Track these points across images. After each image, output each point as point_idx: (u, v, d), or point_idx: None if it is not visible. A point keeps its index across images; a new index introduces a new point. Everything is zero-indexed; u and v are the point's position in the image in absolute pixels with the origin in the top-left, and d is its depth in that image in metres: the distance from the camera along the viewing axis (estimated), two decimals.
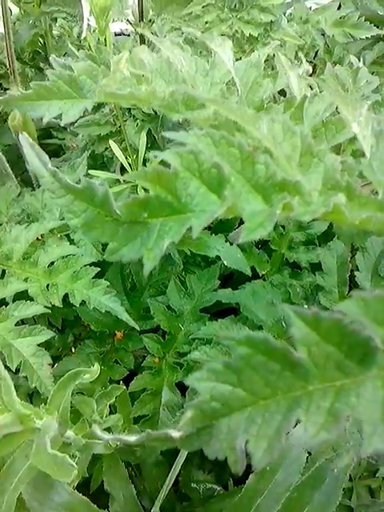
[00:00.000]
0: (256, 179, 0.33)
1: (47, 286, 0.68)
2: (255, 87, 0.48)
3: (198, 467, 1.06)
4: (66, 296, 0.72)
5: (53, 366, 0.80)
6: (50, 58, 0.50)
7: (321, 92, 0.53)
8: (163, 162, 0.31)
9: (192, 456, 1.08)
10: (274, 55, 0.83)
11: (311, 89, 0.51)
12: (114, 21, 0.82)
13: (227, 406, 0.24)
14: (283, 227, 0.97)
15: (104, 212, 0.29)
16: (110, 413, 0.70)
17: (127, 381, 0.85)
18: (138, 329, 0.78)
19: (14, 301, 0.67)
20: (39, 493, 0.51)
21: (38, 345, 0.66)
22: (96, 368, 0.54)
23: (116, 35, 1.17)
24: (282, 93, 0.61)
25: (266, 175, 0.32)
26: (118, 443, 0.60)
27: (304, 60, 0.83)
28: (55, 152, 1.14)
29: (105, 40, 0.58)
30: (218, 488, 1.00)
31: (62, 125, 0.40)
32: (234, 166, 0.33)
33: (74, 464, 0.40)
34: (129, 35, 0.98)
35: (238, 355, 0.23)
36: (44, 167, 0.29)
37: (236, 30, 0.74)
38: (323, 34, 1.02)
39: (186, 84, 0.43)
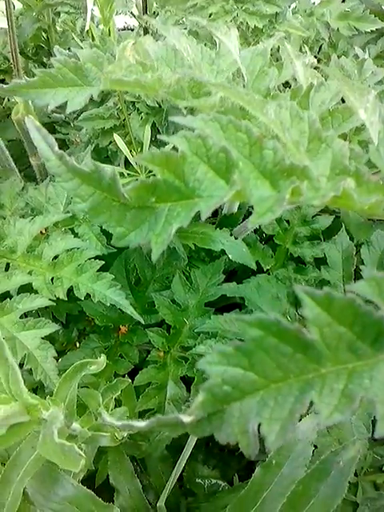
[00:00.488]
0: (264, 164, 0.32)
1: (52, 279, 0.68)
2: (261, 76, 0.47)
3: (203, 463, 1.06)
4: (70, 290, 0.71)
5: (57, 360, 0.80)
6: (54, 49, 0.50)
7: (327, 81, 0.53)
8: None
9: (197, 452, 1.08)
10: (278, 48, 0.83)
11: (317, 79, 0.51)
12: (117, 14, 0.82)
13: (239, 389, 0.23)
14: (288, 222, 0.97)
15: (111, 196, 0.29)
16: (116, 407, 0.70)
17: (132, 376, 0.84)
18: (143, 323, 0.78)
19: (18, 294, 0.66)
20: (43, 487, 0.51)
21: (43, 338, 0.66)
22: (102, 359, 0.54)
23: (120, 30, 1.17)
24: (287, 85, 0.61)
25: (274, 160, 0.32)
26: (124, 436, 0.60)
27: (309, 52, 0.83)
28: (60, 147, 1.13)
29: (109, 30, 0.57)
30: (223, 484, 0.99)
31: (68, 112, 0.39)
32: (241, 151, 0.32)
33: (82, 453, 0.40)
34: (132, 30, 0.98)
35: (249, 337, 0.23)
36: (51, 150, 0.29)
37: (241, 22, 0.73)
38: (328, 29, 1.02)
39: (193, 72, 0.43)
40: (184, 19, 0.84)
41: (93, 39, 0.61)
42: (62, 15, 1.16)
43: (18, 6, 1.05)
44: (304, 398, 0.22)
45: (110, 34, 0.58)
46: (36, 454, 0.50)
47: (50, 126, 1.10)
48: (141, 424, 0.25)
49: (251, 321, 0.23)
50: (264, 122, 0.36)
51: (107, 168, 0.28)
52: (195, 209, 0.29)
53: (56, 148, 0.29)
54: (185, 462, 0.69)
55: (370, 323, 0.22)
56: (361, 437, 0.67)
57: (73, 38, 1.02)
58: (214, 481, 1.02)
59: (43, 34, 1.08)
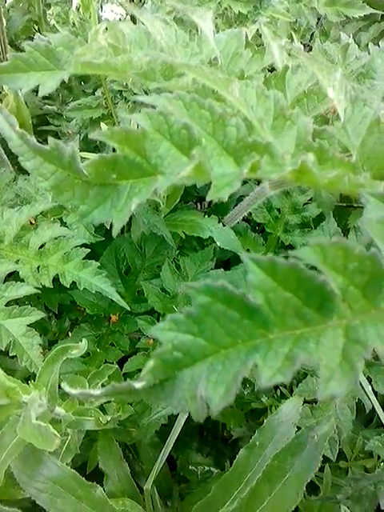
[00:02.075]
0: (227, 141, 0.33)
1: (38, 267, 0.69)
2: (236, 58, 0.48)
3: (197, 450, 1.07)
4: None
5: (50, 350, 0.81)
6: (36, 36, 0.50)
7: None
8: None
9: (191, 440, 1.09)
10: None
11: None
12: (105, 2, 0.82)
13: (189, 355, 0.24)
14: (279, 210, 0.98)
15: (73, 174, 0.30)
16: None
17: (122, 365, 0.85)
18: (130, 310, 0.78)
19: (4, 282, 0.67)
20: (28, 467, 0.52)
21: (30, 326, 0.67)
22: (84, 344, 0.54)
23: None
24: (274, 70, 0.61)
25: (237, 137, 0.32)
26: (109, 420, 0.61)
27: (296, 39, 0.83)
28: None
29: (89, 17, 0.58)
30: (216, 470, 1.00)
31: (40, 95, 0.40)
32: (205, 128, 0.33)
33: (57, 433, 0.40)
34: (120, 19, 0.98)
35: (197, 304, 0.23)
36: (13, 130, 0.29)
37: (225, 8, 0.74)
38: (319, 18, 1.01)
39: (164, 54, 0.43)
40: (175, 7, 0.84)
41: (73, 25, 0.61)
42: (53, 7, 1.16)
43: None
44: (249, 361, 0.22)
45: (91, 19, 0.58)
46: (18, 437, 0.51)
47: (43, 118, 1.11)
48: (97, 392, 0.25)
49: (199, 287, 0.23)
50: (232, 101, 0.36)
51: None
52: (155, 185, 0.30)
53: (17, 127, 0.29)
54: (172, 444, 0.70)
55: (314, 288, 0.22)
56: (345, 419, 0.68)
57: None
58: (207, 468, 1.03)
59: (34, 25, 1.08)
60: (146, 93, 0.81)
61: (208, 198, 0.29)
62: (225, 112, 0.33)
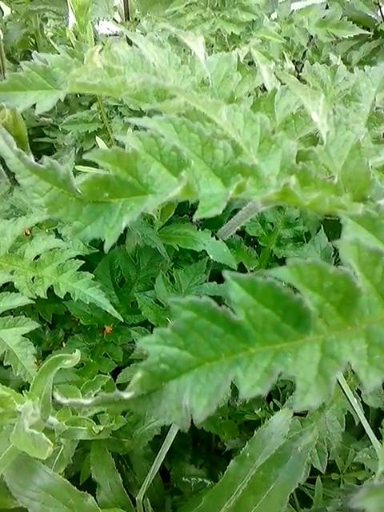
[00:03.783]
0: (215, 163, 0.34)
1: (33, 278, 0.70)
2: (226, 80, 0.49)
3: (190, 462, 1.07)
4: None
5: (44, 360, 0.81)
6: (33, 54, 0.52)
7: None
8: None
9: (184, 451, 1.09)
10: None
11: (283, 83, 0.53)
12: (101, 20, 0.84)
13: (175, 367, 0.25)
14: (272, 224, 0.99)
15: (67, 192, 0.31)
16: None
17: (116, 376, 0.86)
18: (124, 321, 0.79)
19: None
20: (21, 476, 0.53)
21: (25, 336, 0.68)
22: (77, 354, 0.55)
23: (107, 36, 1.19)
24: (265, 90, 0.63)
25: (224, 159, 0.34)
26: (101, 429, 0.61)
27: (287, 59, 0.85)
28: (48, 151, 1.15)
29: (86, 36, 0.60)
30: (209, 482, 1.01)
31: (37, 113, 0.41)
32: (194, 150, 0.34)
33: (49, 441, 0.41)
34: (116, 35, 1.00)
35: (182, 319, 0.25)
36: (10, 148, 0.31)
37: (218, 29, 0.76)
38: (309, 36, 1.04)
39: (158, 76, 0.45)
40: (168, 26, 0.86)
41: (71, 45, 0.63)
42: (50, 21, 1.19)
43: (7, 12, 1.08)
44: (230, 373, 0.24)
45: (87, 40, 0.60)
46: (11, 446, 0.52)
47: (39, 130, 1.13)
48: (87, 401, 0.27)
49: (184, 303, 0.25)
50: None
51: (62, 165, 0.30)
52: (145, 204, 0.31)
53: (14, 146, 0.31)
54: (164, 456, 0.71)
55: (291, 305, 0.24)
56: (335, 431, 0.69)
57: (61, 44, 1.04)
58: (200, 479, 1.03)
59: (31, 39, 1.10)
60: (141, 109, 0.83)
61: (195, 217, 0.30)
62: (214, 135, 0.35)
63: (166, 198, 0.31)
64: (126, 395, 0.25)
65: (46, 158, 0.30)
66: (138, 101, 0.41)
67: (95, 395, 0.72)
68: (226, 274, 0.24)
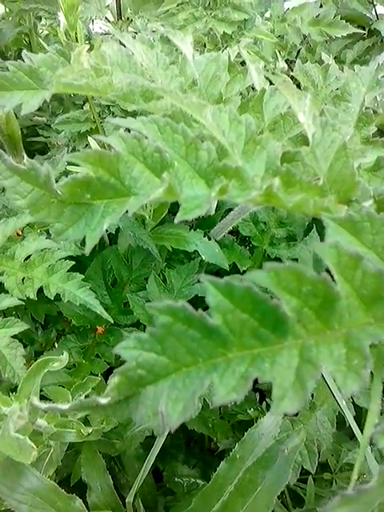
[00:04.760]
0: (199, 164, 0.34)
1: (23, 279, 0.69)
2: (214, 81, 0.49)
3: (183, 462, 1.07)
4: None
5: (36, 360, 0.81)
6: (22, 53, 0.52)
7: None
8: None
9: (177, 452, 1.09)
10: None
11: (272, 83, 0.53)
12: (93, 19, 0.84)
13: (153, 373, 0.25)
14: (265, 224, 0.99)
15: (48, 193, 0.31)
16: None
17: (107, 377, 0.85)
18: (115, 322, 0.79)
19: None
20: (8, 479, 0.53)
21: (16, 336, 0.67)
22: (65, 356, 0.55)
23: (102, 35, 1.18)
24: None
25: (208, 161, 0.34)
26: (90, 432, 0.61)
27: (280, 58, 0.85)
28: (42, 150, 1.15)
29: (76, 35, 0.59)
30: (202, 482, 1.00)
31: (23, 113, 0.41)
32: (178, 152, 0.34)
33: (34, 446, 0.41)
34: (108, 34, 1.00)
35: (159, 324, 0.24)
36: None
37: (210, 28, 0.75)
38: (301, 34, 1.04)
39: (145, 76, 0.44)
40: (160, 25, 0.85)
41: (61, 43, 0.62)
42: (44, 19, 1.18)
43: (0, 10, 1.07)
44: (207, 379, 0.23)
45: (77, 40, 0.59)
46: None
47: (32, 129, 1.12)
48: (65, 406, 0.26)
49: (161, 308, 0.24)
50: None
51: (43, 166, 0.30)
52: (128, 205, 0.31)
53: None
54: (155, 456, 0.71)
55: (268, 310, 0.23)
56: (326, 432, 0.69)
57: (54, 43, 1.03)
58: (193, 480, 1.03)
59: (25, 38, 1.10)
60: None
61: (176, 220, 0.30)
62: (199, 136, 0.35)
63: (147, 200, 0.30)
64: (103, 401, 0.25)
65: (27, 160, 0.30)
66: (124, 101, 0.41)
67: (87, 397, 0.71)
68: (202, 277, 0.23)
